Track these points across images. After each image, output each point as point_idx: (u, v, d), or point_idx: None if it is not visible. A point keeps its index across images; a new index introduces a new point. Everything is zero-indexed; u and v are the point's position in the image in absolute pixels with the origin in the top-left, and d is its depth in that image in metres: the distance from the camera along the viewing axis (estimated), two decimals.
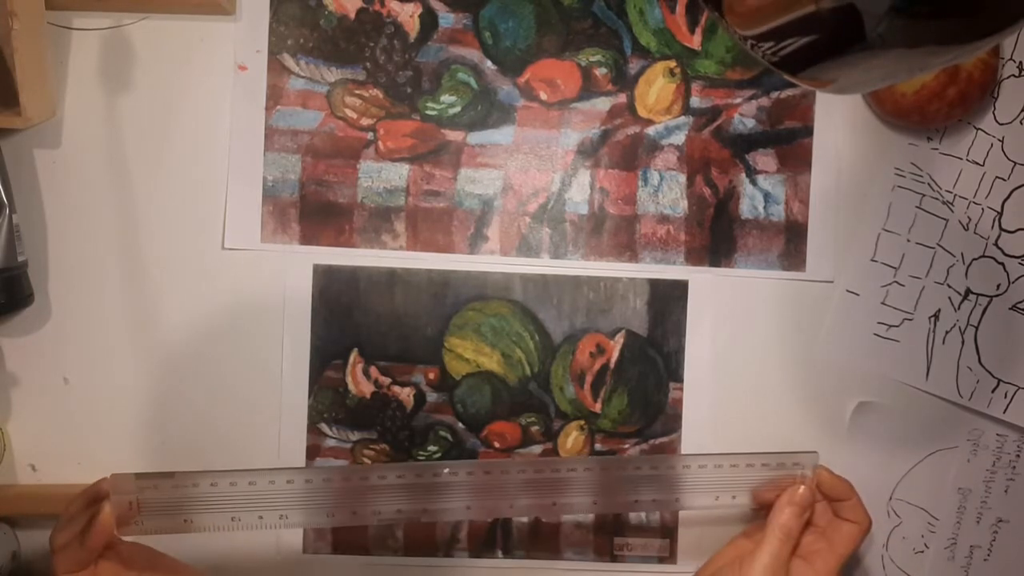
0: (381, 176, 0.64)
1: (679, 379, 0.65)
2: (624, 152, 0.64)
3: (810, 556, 0.58)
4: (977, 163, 0.64)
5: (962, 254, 0.65)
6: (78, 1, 0.61)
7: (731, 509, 0.61)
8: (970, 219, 0.64)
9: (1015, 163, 0.64)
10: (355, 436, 0.64)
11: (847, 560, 0.58)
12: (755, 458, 0.58)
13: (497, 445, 0.65)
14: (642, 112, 0.64)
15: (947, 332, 0.65)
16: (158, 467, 0.63)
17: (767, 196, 0.64)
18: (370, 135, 0.63)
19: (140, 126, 0.63)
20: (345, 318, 0.64)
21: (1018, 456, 0.65)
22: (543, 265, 0.64)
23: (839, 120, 0.64)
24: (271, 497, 0.52)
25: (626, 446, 0.65)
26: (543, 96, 0.64)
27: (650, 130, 0.64)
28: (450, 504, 0.54)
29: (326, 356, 0.64)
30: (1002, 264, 0.65)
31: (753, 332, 0.65)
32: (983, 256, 0.65)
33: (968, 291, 0.65)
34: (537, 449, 0.65)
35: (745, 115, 0.64)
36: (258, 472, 0.53)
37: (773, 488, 0.58)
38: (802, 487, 0.58)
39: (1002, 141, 0.64)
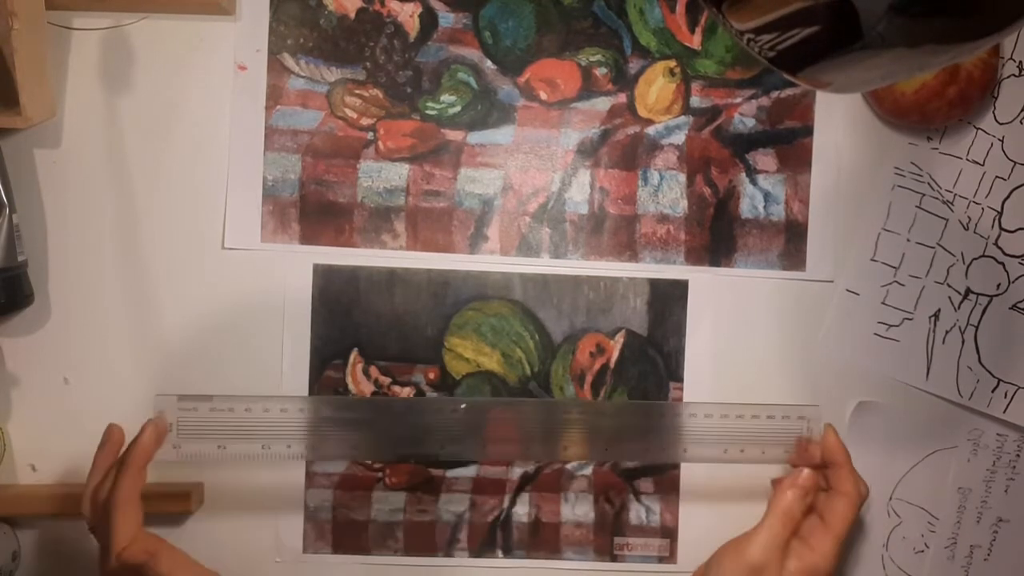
0: (381, 176, 0.64)
1: (679, 379, 0.65)
2: (624, 152, 0.64)
3: (808, 536, 0.57)
4: (977, 163, 0.64)
5: (962, 254, 0.64)
6: (78, 1, 0.62)
7: (740, 464, 0.60)
8: (970, 219, 0.64)
9: (1015, 163, 0.64)
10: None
11: (845, 538, 0.56)
12: (760, 409, 0.58)
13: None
14: (642, 112, 0.64)
15: (947, 332, 0.64)
16: (157, 467, 0.63)
17: (767, 196, 0.64)
18: (370, 135, 0.63)
19: (140, 126, 0.63)
20: (345, 318, 0.64)
21: (1018, 456, 0.65)
22: (543, 265, 0.64)
23: (839, 120, 0.64)
24: (298, 426, 0.57)
25: None
26: (543, 96, 0.64)
27: (650, 130, 0.64)
28: (463, 446, 0.58)
29: (326, 356, 0.64)
30: (1002, 264, 0.65)
31: (753, 332, 0.65)
32: (983, 256, 0.65)
33: (968, 291, 0.65)
34: None
35: (745, 115, 0.64)
36: (289, 399, 0.57)
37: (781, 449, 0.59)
38: (805, 470, 0.57)
39: (1002, 141, 0.64)
